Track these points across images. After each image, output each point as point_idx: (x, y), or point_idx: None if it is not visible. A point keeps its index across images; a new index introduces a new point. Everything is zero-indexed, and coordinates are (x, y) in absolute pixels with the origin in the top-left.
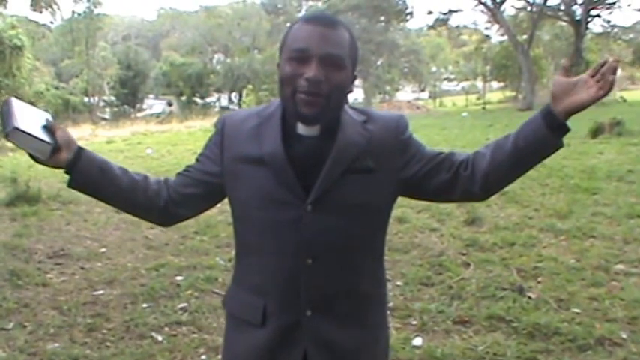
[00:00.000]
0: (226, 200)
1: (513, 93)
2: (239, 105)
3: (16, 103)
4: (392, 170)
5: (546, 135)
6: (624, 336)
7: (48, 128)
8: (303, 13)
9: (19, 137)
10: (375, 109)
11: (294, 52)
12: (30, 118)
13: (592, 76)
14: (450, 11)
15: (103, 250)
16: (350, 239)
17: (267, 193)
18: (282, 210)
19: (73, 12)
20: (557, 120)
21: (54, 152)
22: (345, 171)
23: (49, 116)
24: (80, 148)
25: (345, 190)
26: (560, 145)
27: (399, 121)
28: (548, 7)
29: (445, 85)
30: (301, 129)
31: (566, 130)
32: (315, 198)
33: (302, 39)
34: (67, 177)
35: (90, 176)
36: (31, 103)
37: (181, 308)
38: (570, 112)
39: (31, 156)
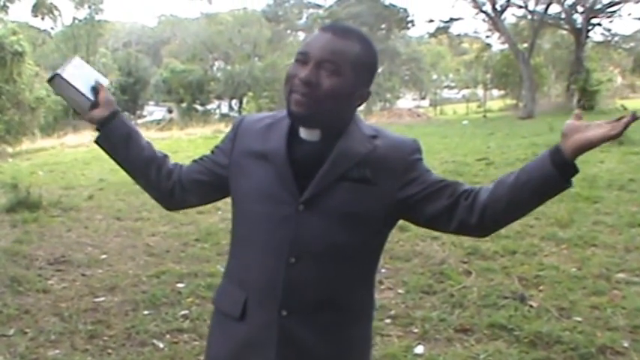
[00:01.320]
0: (228, 208)
1: (514, 101)
2: (239, 112)
3: (75, 60)
4: (389, 187)
5: (551, 172)
6: (626, 345)
7: (95, 88)
8: (304, 20)
9: (60, 85)
10: (390, 131)
11: (298, 55)
12: (81, 74)
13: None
14: (451, 19)
15: (104, 256)
16: (336, 246)
17: (265, 188)
18: (276, 206)
19: (74, 18)
20: (564, 157)
21: (92, 108)
22: (342, 176)
23: (103, 80)
24: (117, 111)
25: (339, 195)
26: (565, 186)
27: (408, 143)
28: (549, 15)
29: (446, 93)
30: (303, 132)
31: (574, 171)
32: (307, 198)
33: (308, 43)
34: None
35: (116, 137)
36: (32, 109)
37: (183, 316)
38: (579, 149)
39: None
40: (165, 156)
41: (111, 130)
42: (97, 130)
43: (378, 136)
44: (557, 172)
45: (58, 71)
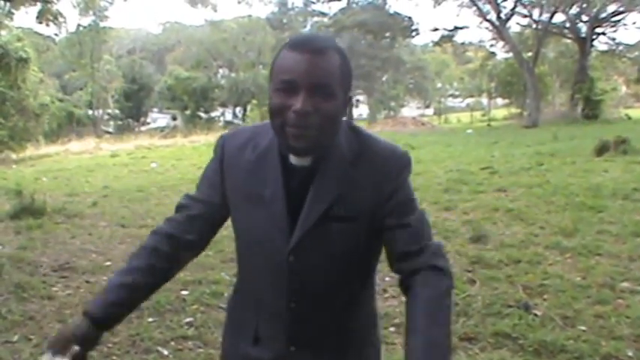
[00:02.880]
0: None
1: (518, 110)
2: (243, 120)
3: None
4: (371, 218)
5: None
6: (630, 354)
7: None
8: (308, 28)
9: None
10: (378, 138)
11: (281, 84)
12: None
13: None
14: (456, 28)
15: (108, 263)
16: (332, 286)
17: (259, 235)
18: (269, 254)
19: (79, 25)
20: None
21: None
22: (323, 217)
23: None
24: (87, 312)
25: (324, 238)
26: None
27: (395, 161)
28: (554, 24)
29: (450, 102)
30: (293, 159)
31: None
32: (294, 246)
33: (289, 69)
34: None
35: (113, 311)
36: (36, 115)
37: (187, 323)
38: None
39: None
40: (154, 249)
41: (106, 316)
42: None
43: (360, 156)
44: None
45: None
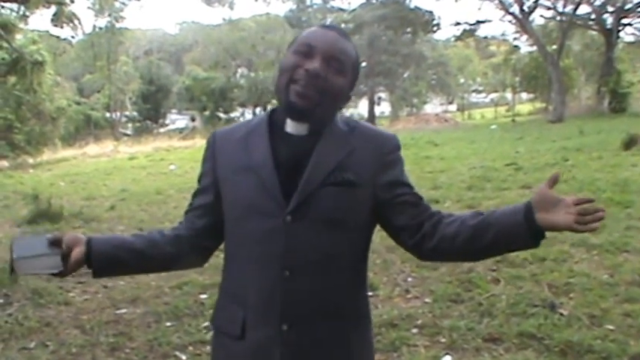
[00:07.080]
0: None
1: (543, 104)
2: None
3: (18, 240)
4: (370, 186)
5: (521, 223)
6: None
7: (54, 241)
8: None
9: (26, 265)
10: (368, 123)
11: (302, 46)
12: (31, 244)
13: (576, 205)
14: (478, 22)
15: None
16: (328, 253)
17: (251, 201)
18: (263, 219)
19: (95, 26)
20: (536, 225)
21: (65, 259)
22: (325, 181)
23: (49, 236)
24: (89, 240)
25: (324, 202)
26: (530, 244)
27: (387, 139)
28: (578, 16)
29: (474, 97)
30: (290, 126)
31: (541, 235)
32: (293, 207)
33: (313, 37)
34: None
35: (109, 255)
36: (53, 119)
37: (205, 327)
38: (544, 227)
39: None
40: (159, 231)
41: (99, 254)
42: (87, 265)
43: (356, 130)
44: (526, 225)
45: (14, 256)
